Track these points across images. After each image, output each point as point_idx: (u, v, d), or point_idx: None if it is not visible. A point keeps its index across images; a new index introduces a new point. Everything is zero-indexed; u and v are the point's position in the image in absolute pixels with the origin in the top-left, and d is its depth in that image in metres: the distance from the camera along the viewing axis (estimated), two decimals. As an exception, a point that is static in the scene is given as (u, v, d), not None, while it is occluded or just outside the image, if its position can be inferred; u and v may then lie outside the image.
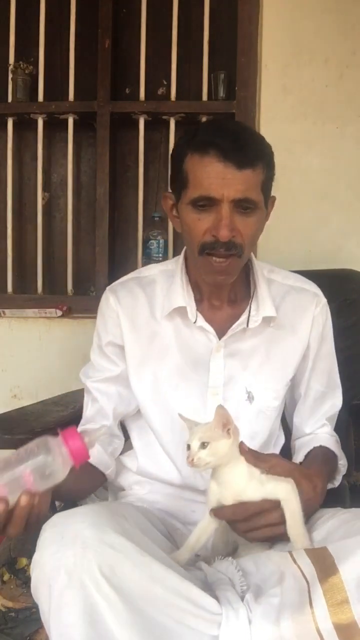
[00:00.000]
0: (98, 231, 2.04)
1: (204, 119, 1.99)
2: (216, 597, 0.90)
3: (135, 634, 0.82)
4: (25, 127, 2.12)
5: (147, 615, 0.84)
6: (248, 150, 1.08)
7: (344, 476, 1.52)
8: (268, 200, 1.16)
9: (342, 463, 1.25)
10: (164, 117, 2.02)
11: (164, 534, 1.12)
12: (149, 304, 1.24)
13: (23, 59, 2.08)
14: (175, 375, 1.20)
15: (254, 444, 1.16)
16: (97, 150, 2.03)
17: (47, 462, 0.89)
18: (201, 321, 1.20)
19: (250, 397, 1.20)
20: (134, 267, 2.03)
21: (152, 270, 1.29)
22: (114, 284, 1.29)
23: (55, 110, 2.05)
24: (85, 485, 1.20)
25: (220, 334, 1.20)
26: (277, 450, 1.28)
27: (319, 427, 1.28)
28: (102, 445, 1.21)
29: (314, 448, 1.22)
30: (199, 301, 1.22)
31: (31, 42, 2.09)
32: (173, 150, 1.17)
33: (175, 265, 1.26)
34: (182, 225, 1.16)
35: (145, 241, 2.06)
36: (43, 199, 2.11)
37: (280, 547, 1.04)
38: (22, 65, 2.05)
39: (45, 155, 2.12)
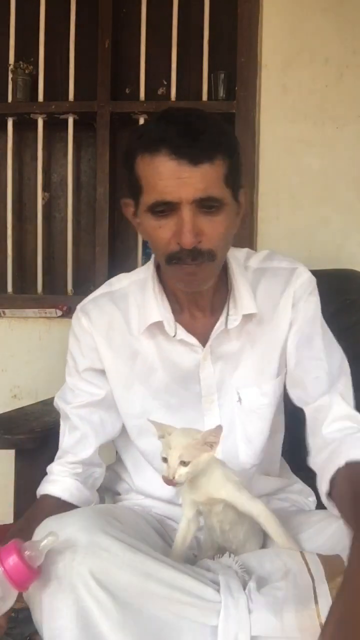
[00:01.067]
0: (98, 231, 2.03)
1: (204, 119, 1.99)
2: (218, 585, 0.89)
3: (128, 636, 0.81)
4: (25, 127, 2.12)
5: (143, 614, 0.83)
6: (203, 141, 0.96)
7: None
8: (238, 192, 1.05)
9: None
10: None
11: (161, 534, 1.12)
12: (125, 320, 1.15)
13: (23, 59, 2.08)
14: (164, 393, 1.14)
15: (252, 447, 1.15)
16: (97, 150, 2.03)
17: None
18: (182, 333, 1.11)
19: (240, 399, 1.14)
20: (133, 267, 2.03)
21: (123, 282, 1.19)
22: (84, 301, 1.19)
23: (55, 110, 2.05)
24: None
25: (205, 342, 1.12)
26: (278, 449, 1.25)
27: (337, 419, 1.10)
28: (81, 481, 1.14)
29: (339, 471, 1.01)
30: (178, 311, 1.13)
31: (31, 42, 2.09)
32: (124, 152, 1.05)
33: (146, 274, 1.16)
34: (144, 235, 1.07)
35: (145, 241, 2.05)
36: (43, 199, 2.11)
37: (272, 545, 1.03)
38: (22, 65, 2.05)
39: (45, 155, 2.12)
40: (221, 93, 1.99)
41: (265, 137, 1.96)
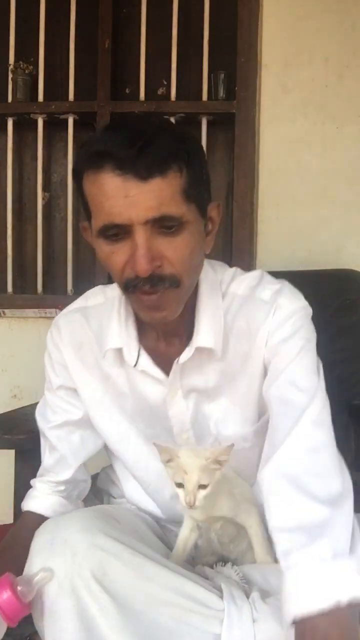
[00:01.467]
0: (98, 231, 2.03)
1: (204, 119, 1.99)
2: (220, 592, 0.88)
3: (128, 639, 0.81)
4: (25, 127, 2.12)
5: (145, 618, 0.83)
6: (152, 152, 0.83)
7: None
8: (205, 206, 0.93)
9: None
10: (164, 117, 2.02)
11: (160, 536, 1.11)
12: (97, 340, 1.06)
13: (23, 59, 2.08)
14: (140, 421, 1.08)
15: (243, 475, 1.07)
16: (97, 150, 2.03)
17: None
18: (145, 363, 1.00)
19: (217, 439, 1.04)
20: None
21: (98, 298, 1.10)
22: (58, 315, 1.12)
23: (55, 110, 2.05)
24: None
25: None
26: None
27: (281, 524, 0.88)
28: (65, 496, 1.12)
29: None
30: (145, 337, 1.02)
31: (31, 42, 2.08)
32: (72, 170, 0.95)
33: (113, 296, 1.06)
34: (102, 263, 0.95)
35: (145, 241, 2.05)
36: (43, 199, 2.11)
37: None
38: (22, 65, 2.04)
39: (45, 155, 2.12)
40: (221, 93, 1.99)
41: (265, 137, 1.96)
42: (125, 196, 0.84)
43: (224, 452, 0.92)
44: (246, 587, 0.93)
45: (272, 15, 1.94)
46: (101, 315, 1.07)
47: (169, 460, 0.94)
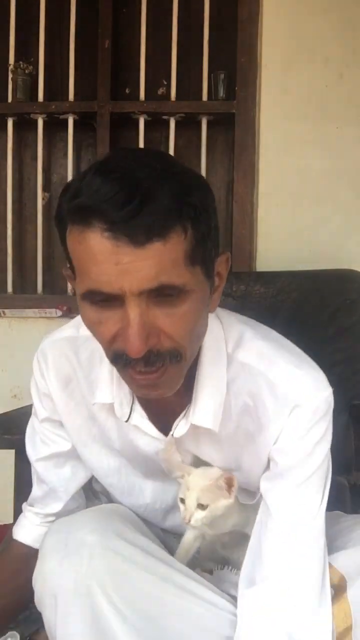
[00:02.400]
0: (98, 231, 2.03)
1: (204, 119, 1.99)
2: (228, 595, 0.88)
3: None
4: (25, 127, 2.12)
5: (158, 620, 0.83)
6: (151, 211, 0.68)
7: (344, 476, 1.51)
8: (212, 266, 0.78)
9: None
10: (164, 117, 2.02)
11: (159, 537, 1.11)
12: (85, 377, 0.94)
13: (23, 59, 2.07)
14: (128, 460, 1.00)
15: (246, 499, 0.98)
16: (97, 150, 2.02)
17: None
18: (138, 419, 0.90)
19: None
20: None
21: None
22: (47, 340, 1.00)
23: (55, 110, 2.05)
24: None
25: (169, 429, 0.90)
26: None
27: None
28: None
29: None
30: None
31: (31, 42, 2.08)
32: (55, 214, 0.77)
33: None
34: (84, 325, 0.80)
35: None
36: (43, 199, 2.11)
37: None
38: (22, 65, 2.04)
39: (45, 155, 2.12)
40: (221, 93, 1.99)
41: (265, 137, 1.96)
42: (116, 263, 0.69)
43: (229, 480, 0.89)
44: None
45: (272, 15, 1.94)
46: (93, 349, 0.92)
47: (182, 476, 0.92)
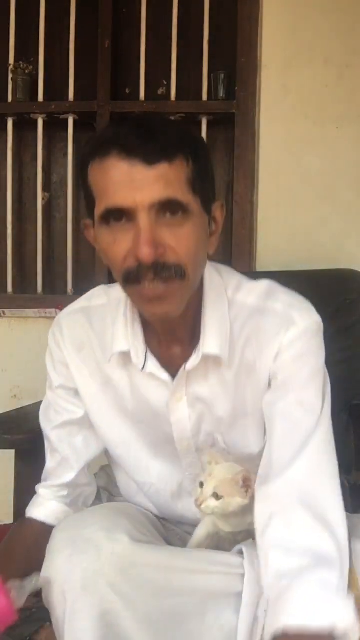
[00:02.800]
0: (98, 231, 2.03)
1: (204, 119, 1.99)
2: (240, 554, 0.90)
3: (152, 632, 0.82)
4: (25, 127, 2.12)
5: (168, 616, 0.84)
6: (159, 139, 0.83)
7: (344, 476, 1.50)
8: (209, 203, 0.92)
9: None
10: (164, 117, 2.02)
11: (162, 534, 1.12)
12: (99, 343, 1.03)
13: (23, 59, 2.08)
14: (139, 428, 1.05)
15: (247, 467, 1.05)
16: (97, 150, 2.03)
17: None
18: (152, 366, 0.98)
19: (224, 448, 1.02)
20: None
21: (102, 299, 1.07)
22: (61, 314, 1.10)
23: (55, 110, 2.05)
24: None
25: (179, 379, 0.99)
26: None
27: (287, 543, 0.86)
28: (68, 503, 1.09)
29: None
30: (151, 339, 0.99)
31: (31, 42, 2.09)
32: (78, 164, 0.94)
33: (119, 298, 1.02)
34: (102, 255, 0.91)
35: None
36: (43, 199, 2.11)
37: None
38: (22, 65, 2.05)
39: (45, 155, 2.12)
40: (221, 93, 1.99)
41: (265, 137, 1.96)
42: (131, 181, 0.82)
43: (247, 479, 0.92)
44: None
45: (272, 15, 1.94)
46: (104, 316, 1.04)
47: (209, 462, 0.96)
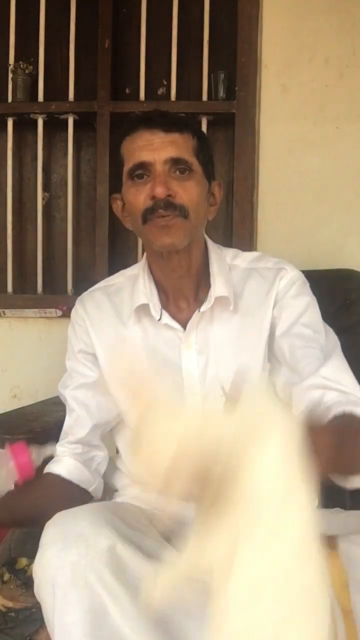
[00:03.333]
0: (98, 231, 2.03)
1: (204, 119, 1.99)
2: None
3: (142, 627, 0.83)
4: (25, 127, 2.12)
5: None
6: (174, 117, 1.16)
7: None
8: (209, 175, 1.16)
9: None
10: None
11: (162, 534, 1.12)
12: (115, 310, 1.23)
13: (23, 59, 2.07)
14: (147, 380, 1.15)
15: None
16: (97, 150, 2.03)
17: None
18: (166, 318, 1.18)
19: (224, 392, 1.15)
20: (134, 267, 2.03)
21: (119, 278, 1.28)
22: (83, 295, 1.29)
23: (55, 110, 2.05)
24: (67, 500, 1.11)
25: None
26: None
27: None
28: (81, 461, 1.18)
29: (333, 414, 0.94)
30: (164, 301, 1.20)
31: (31, 42, 2.08)
32: (115, 150, 1.20)
33: (139, 269, 1.24)
34: (128, 210, 1.16)
35: (145, 241, 2.05)
36: (43, 199, 2.11)
37: None
38: (22, 65, 2.04)
39: (45, 155, 2.12)
40: (221, 93, 1.99)
41: (265, 137, 1.96)
42: (151, 144, 1.10)
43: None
44: None
45: (272, 15, 1.95)
46: (121, 290, 1.24)
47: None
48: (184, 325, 1.17)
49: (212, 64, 2.02)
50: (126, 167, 1.13)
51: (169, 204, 1.08)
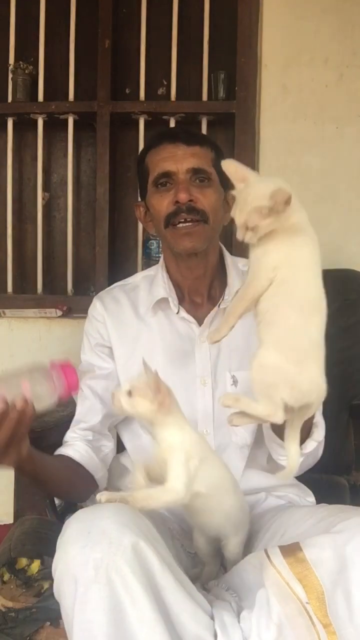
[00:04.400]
0: (98, 231, 2.03)
1: (204, 119, 1.99)
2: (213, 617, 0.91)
3: (157, 634, 0.82)
4: (25, 127, 2.12)
5: (173, 618, 0.86)
6: (194, 133, 1.31)
7: (344, 476, 1.51)
8: (224, 186, 1.23)
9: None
10: (164, 117, 2.02)
11: (165, 533, 1.12)
12: (133, 305, 1.31)
13: (23, 59, 2.08)
14: (162, 370, 1.15)
15: (249, 431, 1.22)
16: (97, 150, 2.03)
17: (41, 381, 0.96)
18: (183, 313, 1.26)
19: (235, 381, 1.23)
20: (133, 267, 2.04)
21: (136, 278, 1.37)
22: (100, 293, 1.37)
23: (55, 110, 2.05)
24: (75, 481, 1.23)
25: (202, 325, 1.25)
26: None
27: None
28: (91, 448, 1.25)
29: None
30: (180, 298, 1.28)
31: (31, 42, 2.09)
32: (137, 163, 1.30)
33: (156, 270, 1.33)
34: (151, 215, 1.26)
35: (145, 241, 2.05)
36: (43, 199, 2.11)
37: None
38: (22, 65, 2.05)
39: (45, 155, 2.12)
40: (221, 93, 1.99)
41: (265, 137, 1.96)
42: (174, 155, 1.21)
43: (155, 382, 0.95)
44: (237, 600, 0.97)
45: (272, 15, 1.95)
46: (138, 287, 1.33)
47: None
48: (198, 320, 1.26)
49: (212, 64, 2.02)
50: (151, 177, 1.24)
51: (191, 209, 1.19)
